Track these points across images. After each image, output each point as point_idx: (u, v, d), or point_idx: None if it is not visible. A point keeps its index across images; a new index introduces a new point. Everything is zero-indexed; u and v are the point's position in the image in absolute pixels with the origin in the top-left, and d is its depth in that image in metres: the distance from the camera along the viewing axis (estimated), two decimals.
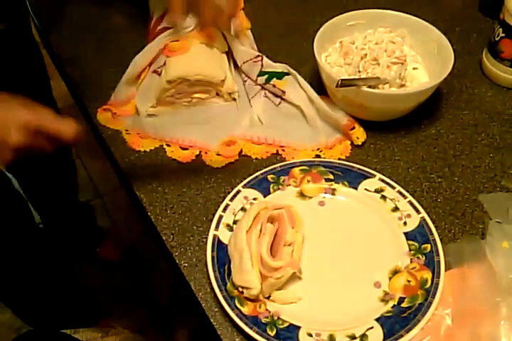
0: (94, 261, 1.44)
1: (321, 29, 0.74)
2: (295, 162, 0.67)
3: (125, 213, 1.57)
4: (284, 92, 0.75)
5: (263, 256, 0.55)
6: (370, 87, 0.68)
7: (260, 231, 0.58)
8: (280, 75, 0.77)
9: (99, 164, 1.65)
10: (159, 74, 0.75)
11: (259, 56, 0.78)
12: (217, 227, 0.61)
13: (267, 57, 0.80)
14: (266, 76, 0.77)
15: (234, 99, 0.78)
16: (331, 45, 0.77)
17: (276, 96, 0.77)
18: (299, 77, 0.75)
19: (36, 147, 0.53)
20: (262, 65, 0.78)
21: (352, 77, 0.71)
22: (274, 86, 0.76)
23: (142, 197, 0.67)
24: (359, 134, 0.71)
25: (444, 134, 0.73)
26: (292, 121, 0.74)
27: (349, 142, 0.72)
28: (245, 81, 0.79)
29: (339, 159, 0.70)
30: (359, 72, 0.73)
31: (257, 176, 0.66)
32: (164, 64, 0.74)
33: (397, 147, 0.72)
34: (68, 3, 0.93)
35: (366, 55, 0.74)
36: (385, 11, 0.78)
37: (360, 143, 0.71)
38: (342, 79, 0.64)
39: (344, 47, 0.76)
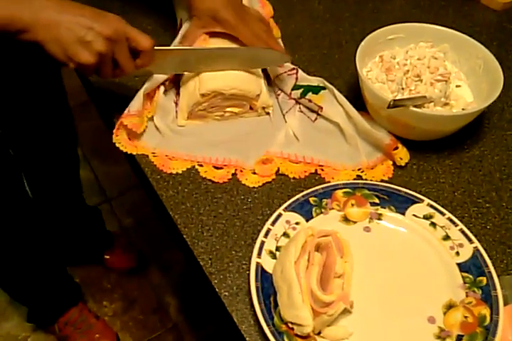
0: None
1: (362, 44, 0.71)
2: (338, 184, 0.64)
3: (134, 218, 1.53)
4: (321, 108, 0.72)
5: (314, 289, 0.52)
6: (416, 106, 0.65)
7: (308, 261, 0.54)
8: (316, 89, 0.74)
9: (105, 168, 1.61)
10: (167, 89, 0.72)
11: (294, 69, 0.75)
12: (259, 254, 0.57)
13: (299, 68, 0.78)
14: (301, 90, 0.74)
15: (268, 113, 0.74)
16: (370, 60, 0.74)
17: (312, 111, 0.74)
18: (336, 91, 0.72)
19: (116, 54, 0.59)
20: (296, 78, 0.75)
21: (404, 96, 0.67)
22: (310, 101, 0.73)
23: (176, 218, 0.63)
24: (402, 155, 0.68)
25: (489, 155, 0.71)
26: (330, 138, 0.71)
27: (391, 162, 0.69)
28: (278, 95, 0.76)
29: (382, 180, 0.67)
30: (402, 89, 0.69)
31: (298, 199, 0.62)
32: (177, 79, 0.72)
33: (441, 168, 0.69)
34: None
35: (408, 71, 0.71)
36: (426, 25, 0.75)
37: (403, 164, 0.68)
38: (394, 100, 0.61)
39: (385, 62, 0.73)
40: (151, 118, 0.71)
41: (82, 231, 1.33)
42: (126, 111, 0.67)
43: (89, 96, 0.89)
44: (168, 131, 0.71)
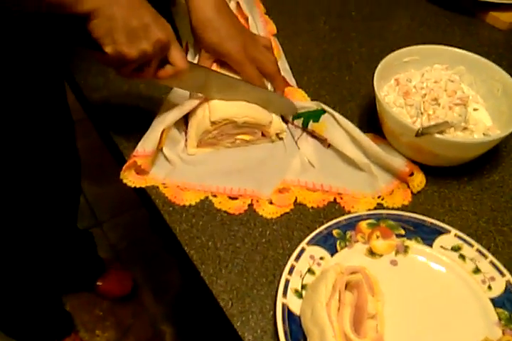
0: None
1: (379, 67, 0.68)
2: (361, 215, 0.61)
3: (127, 241, 1.48)
4: (326, 140, 0.69)
5: (348, 333, 0.48)
6: (439, 132, 0.63)
7: (339, 301, 0.51)
8: (316, 115, 0.70)
9: (97, 188, 1.56)
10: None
11: None
12: (285, 294, 0.54)
13: (306, 92, 0.75)
14: (301, 119, 0.71)
15: (281, 139, 0.72)
16: (385, 83, 0.72)
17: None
18: (337, 115, 0.68)
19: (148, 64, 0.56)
20: None
21: (430, 123, 0.64)
22: (313, 132, 0.70)
23: (192, 253, 0.60)
24: (418, 181, 0.66)
25: (509, 181, 0.69)
26: (346, 165, 0.68)
27: (407, 186, 0.67)
28: (287, 122, 0.73)
29: (404, 208, 0.64)
30: (421, 113, 0.67)
31: (321, 231, 0.59)
32: None
33: (463, 195, 0.67)
34: None
35: (425, 94, 0.69)
36: (441, 46, 0.73)
37: (419, 190, 0.66)
38: (423, 129, 0.59)
39: (401, 85, 0.71)
40: (160, 149, 0.68)
41: (73, 256, 1.27)
42: (141, 150, 0.63)
43: (86, 113, 0.85)
44: (178, 161, 0.68)
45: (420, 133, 0.59)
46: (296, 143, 0.71)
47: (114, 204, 1.52)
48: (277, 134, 0.71)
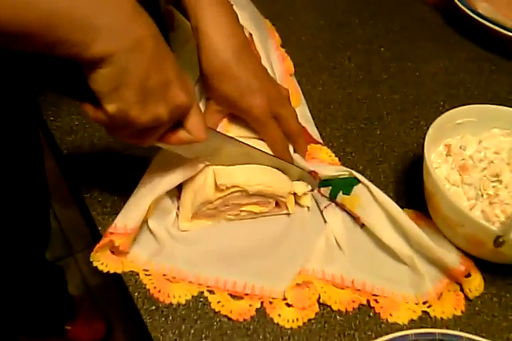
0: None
1: (430, 132, 0.54)
2: (407, 335, 0.46)
3: (102, 277, 1.31)
4: (358, 218, 0.55)
5: None
6: None
7: None
8: (347, 185, 0.55)
9: (71, 213, 1.38)
10: None
11: (311, 172, 0.57)
12: None
13: (330, 147, 0.62)
14: (330, 188, 0.56)
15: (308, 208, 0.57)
16: (434, 148, 0.58)
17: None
18: (373, 188, 0.54)
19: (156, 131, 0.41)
20: (319, 178, 0.57)
21: (506, 222, 0.49)
22: (343, 205, 0.56)
23: None
24: (476, 284, 0.51)
25: None
26: (384, 253, 0.54)
27: (459, 287, 0.53)
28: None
29: (455, 317, 0.50)
30: (481, 195, 0.53)
31: None
32: None
33: None
34: None
35: (485, 169, 0.55)
36: (503, 107, 0.59)
37: (475, 296, 0.52)
38: (503, 233, 0.44)
39: (455, 154, 0.56)
40: (145, 221, 0.52)
41: (39, 293, 1.08)
42: (120, 225, 0.48)
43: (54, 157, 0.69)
44: (167, 238, 0.52)
45: (501, 242, 0.44)
46: (321, 213, 0.56)
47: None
48: (298, 204, 0.56)
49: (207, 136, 0.43)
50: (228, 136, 0.50)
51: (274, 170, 0.53)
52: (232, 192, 0.51)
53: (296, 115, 0.57)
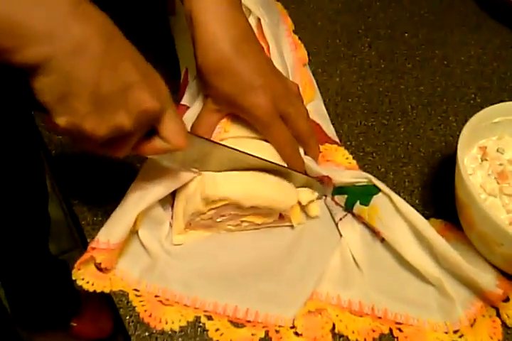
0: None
1: (464, 132, 0.47)
2: None
3: None
4: (378, 233, 0.48)
5: None
6: None
7: None
8: (366, 194, 0.48)
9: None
10: None
11: (323, 178, 0.50)
12: None
13: (347, 147, 0.55)
14: (345, 197, 0.49)
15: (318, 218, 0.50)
16: (467, 152, 0.50)
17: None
18: (395, 197, 0.47)
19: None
20: (333, 185, 0.50)
21: None
22: (360, 218, 0.49)
23: None
24: None
25: None
26: (409, 273, 0.47)
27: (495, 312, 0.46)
28: (325, 195, 0.52)
29: None
30: None
31: None
32: None
33: None
34: None
35: None
36: None
37: None
38: None
39: (491, 159, 0.49)
40: (136, 232, 0.46)
41: (41, 288, 1.05)
42: (103, 239, 0.42)
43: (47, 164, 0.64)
44: (159, 251, 0.46)
45: None
46: (336, 226, 0.50)
47: None
48: (306, 214, 0.50)
49: (187, 143, 0.37)
50: (215, 142, 0.44)
51: (276, 178, 0.46)
52: (224, 205, 0.45)
53: (308, 114, 0.50)
